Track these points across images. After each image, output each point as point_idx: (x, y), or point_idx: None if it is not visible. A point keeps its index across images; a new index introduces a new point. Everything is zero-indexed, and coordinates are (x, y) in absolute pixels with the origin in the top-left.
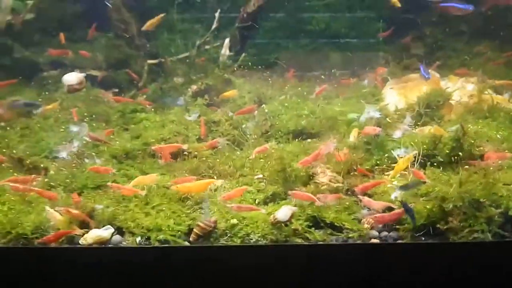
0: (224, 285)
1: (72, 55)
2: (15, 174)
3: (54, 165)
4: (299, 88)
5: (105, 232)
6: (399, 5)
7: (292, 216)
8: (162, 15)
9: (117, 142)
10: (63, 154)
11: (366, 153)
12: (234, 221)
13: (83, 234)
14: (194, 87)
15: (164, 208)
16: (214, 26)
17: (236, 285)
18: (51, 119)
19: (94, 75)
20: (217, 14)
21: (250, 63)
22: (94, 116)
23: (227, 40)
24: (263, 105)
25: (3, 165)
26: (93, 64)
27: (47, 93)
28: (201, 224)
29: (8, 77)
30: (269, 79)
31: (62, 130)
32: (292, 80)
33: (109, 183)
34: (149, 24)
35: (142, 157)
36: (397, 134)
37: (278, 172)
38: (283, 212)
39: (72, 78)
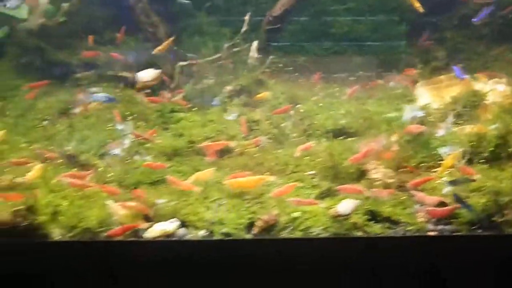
0: (287, 276)
1: (104, 57)
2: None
3: (104, 162)
4: (330, 90)
5: (171, 226)
6: (422, 10)
7: (354, 210)
8: (171, 38)
9: (160, 141)
10: (114, 151)
11: (411, 151)
12: (296, 214)
13: (148, 228)
14: (229, 88)
15: (224, 203)
16: (244, 29)
17: (299, 277)
18: (92, 118)
19: (125, 77)
20: (246, 17)
21: (280, 65)
22: (133, 115)
23: (255, 43)
24: (298, 105)
25: (54, 162)
26: (123, 66)
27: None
28: (264, 218)
29: (42, 79)
30: (297, 81)
31: (108, 128)
32: (318, 82)
33: (167, 177)
34: (160, 48)
35: (187, 155)
36: (439, 132)
37: (328, 169)
38: (346, 205)
39: (147, 74)
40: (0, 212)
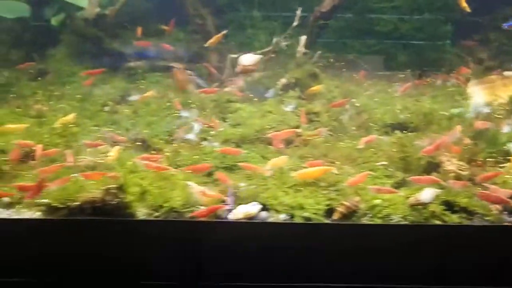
0: (365, 261)
1: (154, 47)
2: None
3: (172, 147)
4: (379, 86)
5: (253, 208)
6: (468, 9)
7: (434, 199)
8: (224, 32)
9: (222, 129)
10: (187, 136)
11: (477, 146)
12: (378, 201)
13: (231, 210)
14: (284, 80)
15: (301, 188)
16: (295, 24)
17: (379, 262)
18: (152, 105)
19: (176, 67)
20: (298, 12)
21: (332, 60)
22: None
23: (303, 38)
24: (353, 100)
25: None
26: (174, 57)
27: (141, 81)
28: (347, 204)
29: (97, 67)
30: (344, 76)
31: (170, 115)
32: (364, 78)
33: (241, 163)
34: (212, 41)
35: (252, 143)
36: (505, 129)
37: (399, 160)
38: (427, 193)
39: (248, 59)
40: (91, 190)
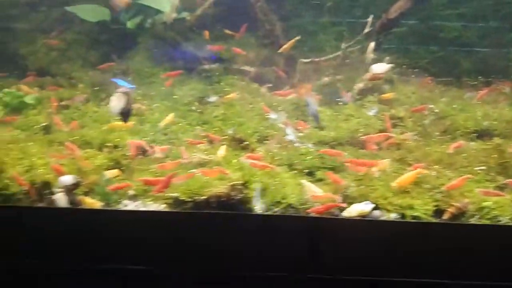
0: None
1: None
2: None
3: (266, 146)
4: (451, 92)
5: (366, 207)
6: None
7: None
8: (297, 38)
9: (308, 131)
10: (288, 136)
11: None
12: (487, 203)
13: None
14: (360, 85)
15: (408, 190)
16: (366, 30)
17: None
18: (236, 106)
19: (248, 71)
20: (370, 19)
21: (404, 66)
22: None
23: (372, 44)
24: (431, 105)
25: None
26: (244, 61)
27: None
28: (457, 205)
29: (173, 69)
30: (411, 81)
31: (257, 116)
32: (430, 84)
33: (347, 164)
34: (286, 47)
35: (343, 145)
36: None
37: (497, 165)
38: None
39: (380, 67)
40: (217, 186)
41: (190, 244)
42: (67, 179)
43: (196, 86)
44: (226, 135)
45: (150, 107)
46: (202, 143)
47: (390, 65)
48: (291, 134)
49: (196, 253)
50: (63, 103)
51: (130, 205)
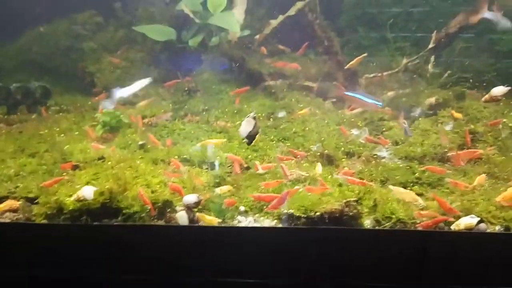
0: None
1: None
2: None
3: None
4: None
5: (473, 220)
6: None
7: None
8: (364, 55)
9: (388, 146)
10: (380, 153)
11: None
12: None
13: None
14: (432, 100)
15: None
16: (430, 46)
17: None
18: (312, 122)
19: (310, 86)
20: (434, 35)
21: (466, 80)
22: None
23: (432, 58)
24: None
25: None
26: (305, 76)
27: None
28: None
29: (239, 86)
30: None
31: (337, 132)
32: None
33: (448, 179)
34: (353, 63)
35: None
36: None
37: None
38: None
39: (499, 90)
40: (330, 202)
41: (307, 257)
42: (191, 198)
43: (263, 101)
44: (309, 151)
45: (233, 124)
46: (293, 159)
47: (507, 88)
48: (382, 150)
49: (308, 264)
50: (145, 120)
51: (243, 221)
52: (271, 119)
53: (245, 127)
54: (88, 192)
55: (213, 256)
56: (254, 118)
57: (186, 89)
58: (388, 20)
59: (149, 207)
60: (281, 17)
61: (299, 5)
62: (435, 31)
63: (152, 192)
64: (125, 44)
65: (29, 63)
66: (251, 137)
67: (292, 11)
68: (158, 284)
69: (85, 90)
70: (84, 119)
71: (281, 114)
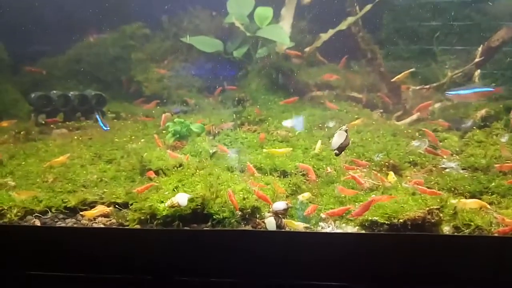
0: None
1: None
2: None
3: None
4: None
5: None
6: None
7: None
8: (410, 70)
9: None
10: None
11: None
12: None
13: None
14: (483, 112)
15: None
16: (478, 59)
17: None
18: (366, 133)
19: (357, 97)
20: (480, 48)
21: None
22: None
23: (478, 71)
24: None
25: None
26: (352, 87)
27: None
28: None
29: (287, 96)
30: None
31: (393, 142)
32: None
33: None
34: (399, 77)
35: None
36: None
37: None
38: None
39: None
40: (412, 209)
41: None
42: (280, 205)
43: (313, 111)
44: (369, 161)
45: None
46: (358, 168)
47: None
48: (444, 162)
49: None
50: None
51: (325, 228)
52: (326, 129)
53: (337, 139)
54: (182, 199)
55: (300, 259)
56: (346, 131)
57: (236, 98)
58: (428, 33)
59: (239, 213)
60: (331, 31)
61: (350, 20)
62: (481, 45)
63: (244, 199)
64: (170, 54)
65: (78, 72)
66: (341, 148)
67: (343, 26)
68: (245, 285)
69: (130, 98)
70: (146, 127)
71: (331, 124)
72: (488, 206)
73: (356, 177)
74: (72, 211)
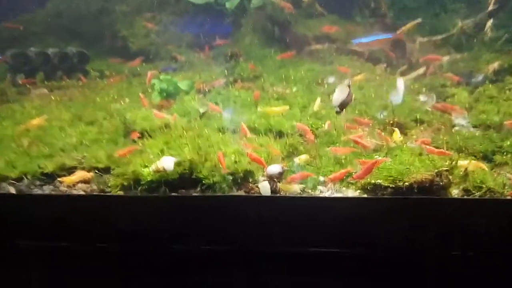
0: None
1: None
2: None
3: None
4: None
5: None
6: None
7: None
8: (418, 21)
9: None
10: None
11: None
12: None
13: None
14: (495, 65)
15: None
16: (490, 8)
17: None
18: (366, 88)
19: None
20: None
21: None
22: None
23: (491, 21)
24: None
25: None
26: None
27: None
28: None
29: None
30: None
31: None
32: None
33: None
34: (404, 29)
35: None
36: None
37: None
38: None
39: None
40: (421, 171)
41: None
42: (275, 168)
43: (312, 66)
44: (371, 118)
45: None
46: (360, 127)
47: None
48: (458, 118)
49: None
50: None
51: (324, 192)
52: (326, 85)
53: (339, 94)
54: (168, 163)
55: (299, 225)
56: (349, 86)
57: (229, 53)
58: None
59: (230, 177)
60: None
61: None
62: None
63: (236, 162)
64: (157, 6)
65: (58, 27)
66: (343, 105)
67: None
68: (239, 253)
69: (117, 55)
70: (131, 86)
71: (331, 79)
72: (484, 167)
73: (359, 141)
74: (50, 177)
